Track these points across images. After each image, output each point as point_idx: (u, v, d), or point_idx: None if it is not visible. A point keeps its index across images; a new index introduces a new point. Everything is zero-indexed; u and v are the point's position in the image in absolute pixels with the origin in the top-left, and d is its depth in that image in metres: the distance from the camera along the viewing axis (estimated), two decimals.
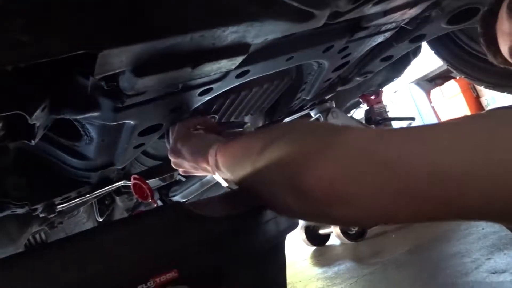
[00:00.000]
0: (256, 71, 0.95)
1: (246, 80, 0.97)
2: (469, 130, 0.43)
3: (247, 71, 0.92)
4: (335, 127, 0.54)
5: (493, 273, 0.94)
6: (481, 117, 0.46)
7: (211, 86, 0.84)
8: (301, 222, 2.56)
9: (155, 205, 0.92)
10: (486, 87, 2.05)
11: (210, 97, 0.92)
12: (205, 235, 0.57)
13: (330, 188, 0.46)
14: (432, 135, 0.45)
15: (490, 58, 1.04)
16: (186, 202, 1.41)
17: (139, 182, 0.88)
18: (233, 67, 0.78)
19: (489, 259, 1.03)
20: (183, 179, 1.79)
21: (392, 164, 0.43)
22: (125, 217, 0.77)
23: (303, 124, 0.61)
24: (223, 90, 0.95)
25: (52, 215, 1.24)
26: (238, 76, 0.92)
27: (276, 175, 0.53)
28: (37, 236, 1.86)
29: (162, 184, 1.65)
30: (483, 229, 1.35)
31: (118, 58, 0.58)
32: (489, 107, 4.67)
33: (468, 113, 4.13)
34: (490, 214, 0.41)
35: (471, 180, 0.40)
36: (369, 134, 0.49)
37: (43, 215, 1.23)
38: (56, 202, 1.24)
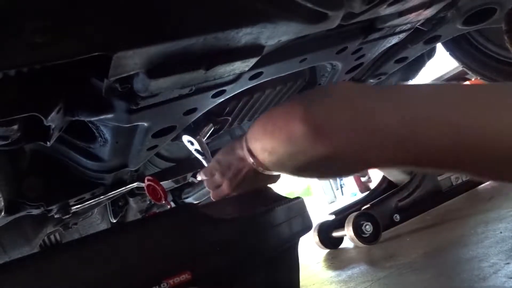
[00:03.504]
0: (269, 73, 0.95)
1: (259, 82, 0.97)
2: (438, 89, 0.53)
3: (261, 73, 0.92)
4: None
5: None
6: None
7: (224, 88, 0.84)
8: (315, 225, 2.54)
9: (169, 206, 0.93)
10: None
11: (223, 99, 0.92)
12: (217, 237, 0.57)
13: (316, 126, 0.54)
14: (402, 89, 0.56)
15: None
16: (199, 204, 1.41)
17: (153, 183, 0.89)
18: (247, 69, 0.78)
19: (508, 263, 1.01)
20: (196, 181, 1.80)
21: (363, 112, 0.53)
22: (138, 219, 0.77)
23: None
24: (236, 92, 0.95)
25: (67, 216, 1.26)
26: (252, 78, 0.92)
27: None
28: (52, 237, 1.88)
29: (175, 186, 1.66)
30: (501, 232, 1.33)
31: (132, 60, 0.58)
32: None
33: None
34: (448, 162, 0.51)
35: (432, 125, 0.49)
36: (355, 86, 0.58)
37: (58, 216, 1.25)
38: (71, 203, 1.25)
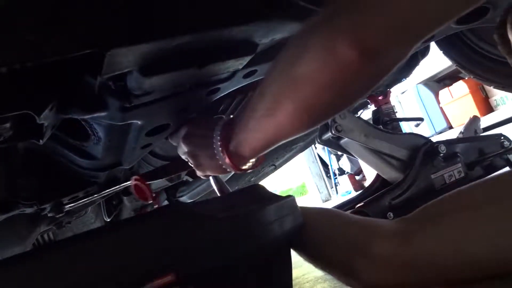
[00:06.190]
0: (263, 71, 0.95)
1: (253, 80, 0.97)
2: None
3: (255, 71, 0.92)
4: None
5: None
6: None
7: (218, 86, 0.84)
8: None
9: (156, 205, 0.92)
10: (495, 87, 2.03)
11: (217, 97, 0.92)
12: (206, 236, 0.56)
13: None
14: None
15: (511, 63, 1.06)
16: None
17: (139, 183, 0.88)
18: (240, 67, 0.78)
19: None
20: (190, 179, 1.79)
21: None
22: (124, 219, 0.76)
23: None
24: (230, 90, 0.95)
25: (60, 215, 1.25)
26: (246, 76, 0.91)
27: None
28: (46, 236, 1.87)
29: (170, 184, 1.65)
30: None
31: (125, 58, 0.58)
32: (498, 108, 4.62)
33: (477, 113, 4.09)
34: None
35: None
36: None
37: (51, 215, 1.24)
38: (64, 202, 1.25)
